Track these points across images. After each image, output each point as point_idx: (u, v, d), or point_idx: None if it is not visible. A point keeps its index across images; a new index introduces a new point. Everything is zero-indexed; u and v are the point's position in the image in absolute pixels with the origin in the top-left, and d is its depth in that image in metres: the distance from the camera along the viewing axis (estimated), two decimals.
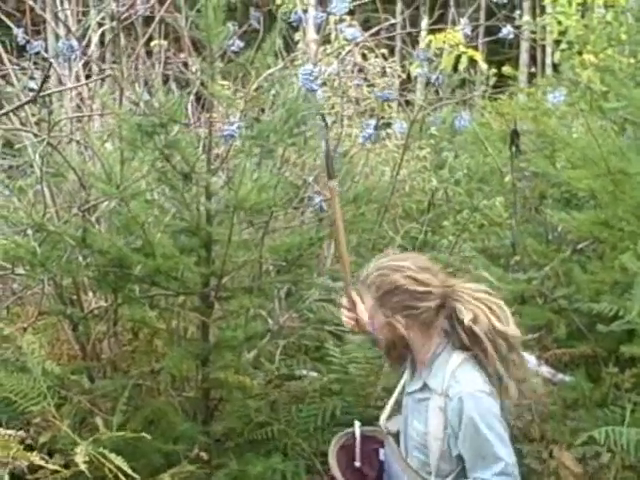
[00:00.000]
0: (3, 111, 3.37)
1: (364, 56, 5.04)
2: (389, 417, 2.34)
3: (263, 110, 3.44)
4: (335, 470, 2.29)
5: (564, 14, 4.43)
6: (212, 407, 3.63)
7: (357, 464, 2.31)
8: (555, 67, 7.80)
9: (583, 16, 4.65)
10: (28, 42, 3.57)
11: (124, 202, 2.97)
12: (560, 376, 4.45)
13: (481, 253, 5.03)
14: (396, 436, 2.30)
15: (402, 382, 2.35)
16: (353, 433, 2.35)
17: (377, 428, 2.35)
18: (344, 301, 2.50)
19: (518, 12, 5.91)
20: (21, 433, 2.47)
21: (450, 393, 2.09)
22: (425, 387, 2.19)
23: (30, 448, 2.66)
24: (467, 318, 2.08)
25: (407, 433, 2.26)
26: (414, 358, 2.26)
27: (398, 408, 2.34)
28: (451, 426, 2.08)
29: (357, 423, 2.34)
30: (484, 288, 2.19)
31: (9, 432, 2.47)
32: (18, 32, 3.57)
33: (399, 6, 14.74)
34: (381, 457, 2.35)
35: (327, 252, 4.04)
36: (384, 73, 5.00)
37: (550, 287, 4.04)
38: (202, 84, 3.12)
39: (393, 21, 5.37)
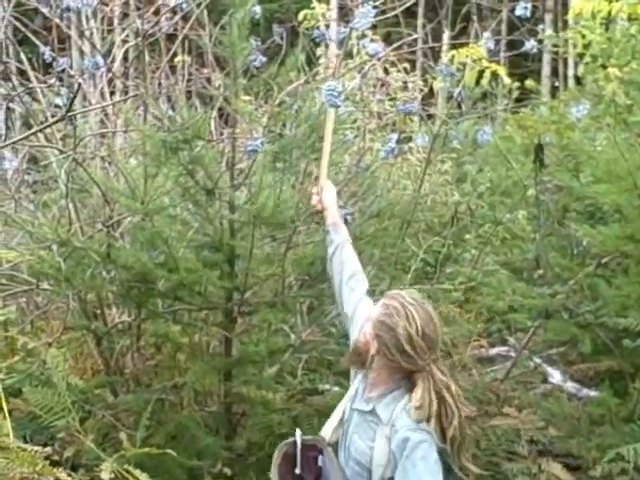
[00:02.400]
0: (33, 130, 3.41)
1: (386, 70, 5.05)
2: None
3: (284, 125, 3.45)
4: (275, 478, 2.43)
5: (588, 28, 4.40)
6: (235, 422, 3.63)
7: (297, 471, 2.43)
8: (578, 80, 7.76)
9: (607, 29, 4.62)
10: (54, 59, 3.62)
11: (148, 217, 2.99)
12: (585, 391, 4.40)
13: (504, 267, 5.01)
14: (334, 445, 2.46)
15: (348, 395, 2.50)
16: (295, 441, 2.46)
17: (317, 437, 2.49)
18: (315, 189, 2.94)
19: (541, 27, 5.89)
20: (48, 449, 2.47)
21: (397, 425, 2.26)
22: (373, 413, 2.34)
23: (55, 463, 2.67)
24: (414, 402, 2.26)
25: (346, 445, 2.41)
26: (368, 378, 2.41)
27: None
28: (393, 454, 2.25)
29: (298, 432, 2.46)
30: (450, 381, 2.31)
31: (35, 448, 2.47)
32: (45, 50, 3.62)
33: (420, 20, 14.76)
34: (319, 463, 2.46)
35: None
36: (406, 87, 5.01)
37: (575, 301, 4.00)
38: (225, 100, 3.14)
39: (415, 36, 5.38)
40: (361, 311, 2.59)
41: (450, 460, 2.26)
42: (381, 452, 2.29)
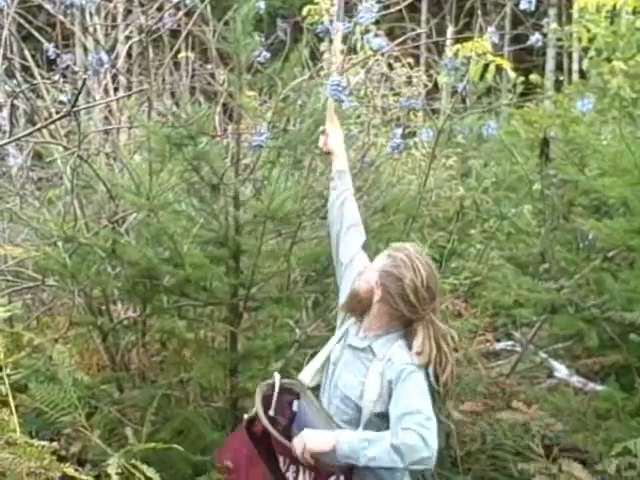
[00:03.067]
0: (37, 126, 3.41)
1: (390, 65, 5.03)
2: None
3: (289, 120, 3.45)
4: (261, 414, 2.47)
5: (593, 21, 4.38)
6: (240, 417, 3.63)
7: (271, 413, 2.51)
8: (582, 74, 7.74)
9: (612, 23, 4.61)
10: (58, 56, 3.61)
11: (153, 213, 2.99)
12: (591, 385, 4.40)
13: (509, 261, 4.99)
14: (313, 389, 2.56)
15: (333, 340, 2.60)
16: (273, 384, 2.55)
17: (295, 381, 2.59)
18: (323, 128, 2.94)
19: (546, 20, 5.87)
20: (54, 444, 2.48)
21: (394, 359, 2.39)
22: (369, 350, 2.46)
23: (62, 459, 2.68)
24: (416, 348, 2.39)
25: (332, 383, 2.51)
26: (363, 322, 2.52)
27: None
28: (389, 384, 2.36)
29: (277, 375, 2.54)
30: (447, 330, 2.45)
31: (42, 443, 2.48)
32: (49, 47, 3.62)
33: (424, 15, 14.72)
34: (294, 408, 2.56)
35: None
36: (410, 82, 5.00)
37: (581, 296, 3.99)
38: (230, 95, 3.14)
39: (419, 30, 5.37)
40: (357, 262, 2.68)
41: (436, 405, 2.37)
42: (372, 387, 2.39)
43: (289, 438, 2.44)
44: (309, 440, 2.34)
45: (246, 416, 2.58)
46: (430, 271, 2.44)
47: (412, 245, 2.56)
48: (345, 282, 2.67)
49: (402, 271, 2.41)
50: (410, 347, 2.41)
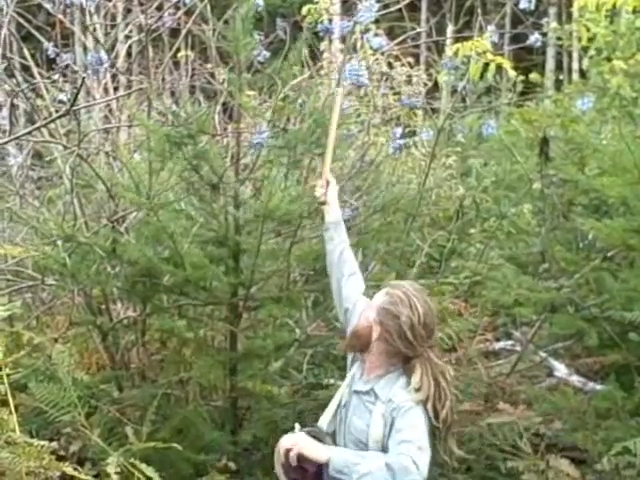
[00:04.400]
0: (36, 125, 3.42)
1: (390, 65, 5.02)
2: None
3: (288, 119, 3.44)
4: (279, 471, 2.52)
5: (593, 20, 4.38)
6: (240, 416, 3.63)
7: (294, 463, 2.50)
8: (582, 73, 7.73)
9: (612, 22, 4.60)
10: (58, 55, 3.62)
11: (153, 212, 2.99)
12: (591, 385, 4.39)
13: (509, 261, 4.99)
14: (331, 435, 2.61)
15: (344, 384, 2.66)
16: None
17: (314, 428, 2.61)
18: (319, 182, 2.93)
19: (546, 19, 5.86)
20: (54, 444, 2.48)
21: (395, 400, 2.44)
22: (372, 393, 2.51)
23: (61, 458, 2.68)
24: (414, 384, 2.45)
25: (345, 428, 2.56)
26: (365, 361, 2.58)
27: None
28: (391, 423, 2.41)
29: (297, 426, 2.56)
30: (444, 366, 2.52)
31: (41, 443, 2.48)
32: (48, 46, 3.62)
33: (424, 14, 14.71)
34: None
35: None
36: (410, 81, 4.99)
37: (581, 295, 3.99)
38: (229, 94, 3.13)
39: (419, 29, 5.36)
40: (359, 305, 2.73)
41: (437, 441, 2.45)
42: (376, 428, 2.44)
43: None
44: (304, 446, 2.42)
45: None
46: (427, 308, 2.50)
47: (410, 283, 2.64)
48: (350, 326, 2.73)
49: (399, 308, 2.47)
50: (410, 384, 2.46)
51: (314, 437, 2.53)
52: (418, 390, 2.42)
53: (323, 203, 2.95)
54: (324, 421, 2.62)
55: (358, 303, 2.75)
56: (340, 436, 2.58)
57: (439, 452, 2.48)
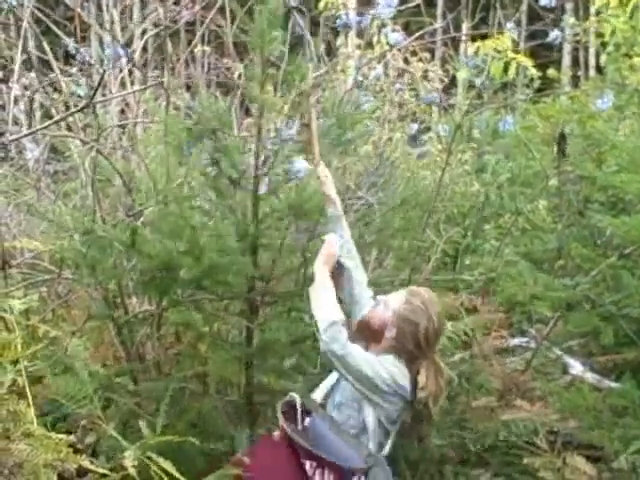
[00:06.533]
0: (54, 119, 3.43)
1: (406, 60, 5.01)
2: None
3: (303, 116, 3.43)
4: (283, 423, 2.77)
5: (616, 16, 4.34)
6: (256, 411, 3.63)
7: (299, 427, 2.78)
8: (599, 70, 7.67)
9: (631, 17, 4.56)
10: (77, 50, 3.63)
11: (176, 204, 3.01)
12: (607, 382, 4.37)
13: (524, 257, 4.97)
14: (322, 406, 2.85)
15: None
16: (289, 402, 2.84)
17: (307, 400, 2.86)
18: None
19: (565, 15, 5.83)
20: (72, 437, 2.48)
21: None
22: None
23: (77, 451, 2.69)
24: (420, 384, 2.72)
25: (337, 393, 2.82)
26: (368, 348, 2.80)
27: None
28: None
29: (294, 394, 2.84)
30: (446, 370, 2.82)
31: (59, 435, 2.49)
32: (69, 42, 3.64)
33: (440, 9, 14.64)
34: (306, 424, 2.81)
35: (370, 257, 4.02)
36: (426, 77, 4.98)
37: (598, 293, 3.97)
38: (249, 89, 3.12)
39: (436, 25, 5.34)
40: (367, 296, 2.97)
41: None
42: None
43: None
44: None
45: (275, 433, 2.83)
46: (441, 318, 2.76)
47: (427, 291, 2.84)
48: (358, 309, 2.94)
49: (418, 318, 2.71)
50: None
51: (307, 409, 2.78)
52: (423, 389, 2.69)
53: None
54: (320, 394, 2.86)
55: (365, 293, 2.96)
56: (331, 403, 2.83)
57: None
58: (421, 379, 2.70)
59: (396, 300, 2.78)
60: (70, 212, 3.61)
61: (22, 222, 4.45)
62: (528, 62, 3.71)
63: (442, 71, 5.17)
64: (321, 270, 2.79)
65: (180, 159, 3.20)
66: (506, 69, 3.74)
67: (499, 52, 3.63)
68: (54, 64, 3.91)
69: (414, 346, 2.71)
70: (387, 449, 2.75)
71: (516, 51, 3.97)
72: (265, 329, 3.48)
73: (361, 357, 2.66)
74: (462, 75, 4.25)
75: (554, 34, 3.39)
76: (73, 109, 3.52)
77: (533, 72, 3.76)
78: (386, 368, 2.68)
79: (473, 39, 4.34)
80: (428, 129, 5.62)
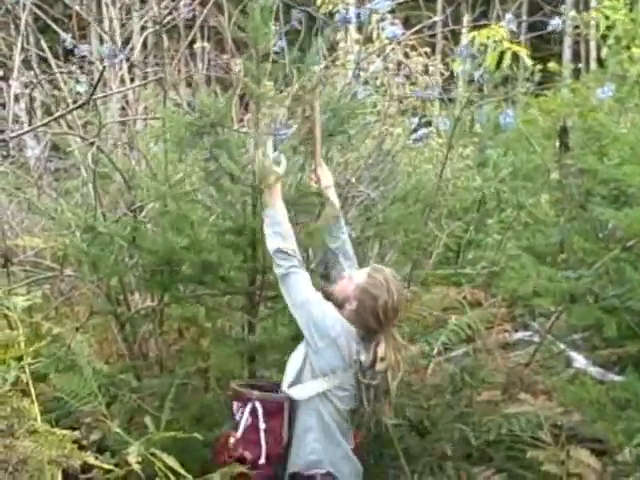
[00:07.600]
0: (54, 116, 3.43)
1: (406, 54, 4.99)
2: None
3: (304, 110, 3.43)
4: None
5: (612, 8, 4.33)
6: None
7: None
8: (600, 62, 7.66)
9: (631, 10, 4.55)
10: (75, 47, 3.62)
11: (175, 201, 3.02)
12: (610, 376, 4.36)
13: (526, 251, 4.96)
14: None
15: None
16: (246, 384, 3.01)
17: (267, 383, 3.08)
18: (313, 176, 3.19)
19: (564, 7, 5.81)
20: (76, 433, 2.49)
21: None
22: None
23: (82, 447, 2.69)
24: (379, 354, 2.83)
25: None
26: None
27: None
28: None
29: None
30: (404, 344, 2.96)
31: (63, 432, 2.49)
32: (67, 38, 3.63)
33: (440, 3, 14.63)
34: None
35: (372, 251, 4.02)
36: (426, 71, 4.96)
37: (601, 286, 3.96)
38: (247, 84, 3.12)
39: (435, 19, 5.33)
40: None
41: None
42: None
43: None
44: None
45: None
46: (401, 295, 2.87)
47: (390, 271, 2.95)
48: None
49: (378, 292, 2.81)
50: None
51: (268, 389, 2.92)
52: (383, 359, 2.80)
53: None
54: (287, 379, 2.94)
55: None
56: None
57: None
58: (380, 350, 2.81)
59: (360, 275, 2.90)
60: (71, 209, 3.61)
61: (24, 220, 4.46)
62: (523, 51, 3.69)
63: (442, 65, 5.15)
64: (270, 204, 2.88)
65: (180, 155, 3.21)
66: (501, 59, 3.72)
67: (495, 42, 3.61)
68: (52, 62, 3.91)
69: (373, 319, 2.81)
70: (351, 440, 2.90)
71: (517, 43, 3.95)
72: (266, 324, 3.48)
73: (302, 284, 2.82)
74: (458, 67, 4.23)
75: (555, 22, 3.37)
76: (73, 106, 3.51)
77: (528, 62, 3.74)
78: (321, 307, 2.81)
79: (472, 31, 4.31)
80: (429, 123, 5.61)
